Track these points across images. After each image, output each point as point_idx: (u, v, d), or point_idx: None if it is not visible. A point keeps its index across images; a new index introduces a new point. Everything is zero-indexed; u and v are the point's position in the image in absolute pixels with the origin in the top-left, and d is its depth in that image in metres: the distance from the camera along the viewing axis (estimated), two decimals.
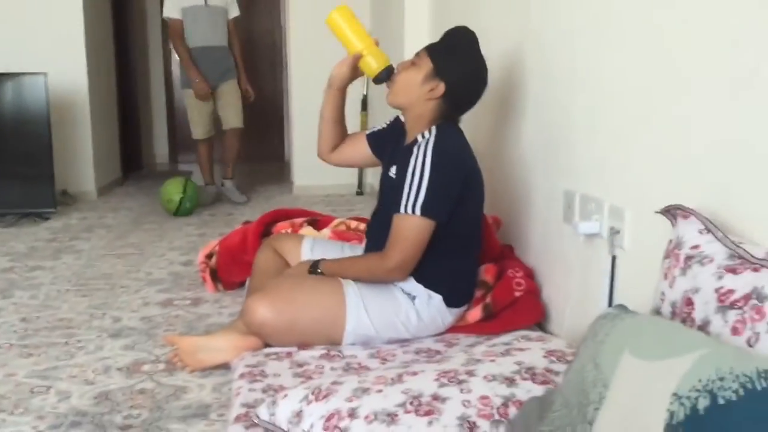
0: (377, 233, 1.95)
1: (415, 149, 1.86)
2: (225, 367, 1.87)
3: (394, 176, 1.92)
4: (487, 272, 2.08)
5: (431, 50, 1.92)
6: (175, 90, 7.46)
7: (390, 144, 2.07)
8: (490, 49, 2.08)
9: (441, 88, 1.87)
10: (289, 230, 2.65)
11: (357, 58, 1.98)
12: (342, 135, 2.19)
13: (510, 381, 1.27)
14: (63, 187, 4.60)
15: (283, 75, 7.04)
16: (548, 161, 2.11)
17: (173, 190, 4.23)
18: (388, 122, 2.15)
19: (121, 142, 5.93)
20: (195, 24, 4.51)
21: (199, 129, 4.65)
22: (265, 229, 2.67)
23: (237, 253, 2.59)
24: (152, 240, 3.61)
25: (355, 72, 2.03)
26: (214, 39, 4.55)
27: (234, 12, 4.66)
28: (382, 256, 1.85)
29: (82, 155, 4.90)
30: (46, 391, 1.78)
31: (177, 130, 7.58)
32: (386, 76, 1.94)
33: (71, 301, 2.55)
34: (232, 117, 4.66)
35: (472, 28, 1.98)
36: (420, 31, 3.63)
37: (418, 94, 1.89)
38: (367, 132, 2.19)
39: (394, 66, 1.96)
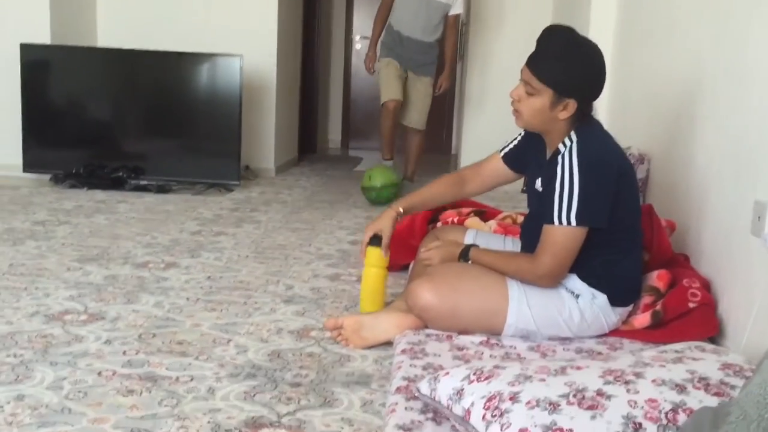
0: (530, 237, 1.94)
1: (559, 159, 1.82)
2: (386, 343, 1.94)
3: (540, 189, 1.91)
4: (659, 279, 2.01)
5: (541, 72, 1.79)
6: (353, 79, 7.76)
7: (530, 155, 2.02)
8: (677, 45, 2.00)
9: (572, 105, 1.80)
10: (456, 219, 2.69)
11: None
12: (455, 188, 2.20)
13: (681, 388, 1.23)
14: (246, 163, 4.94)
15: (458, 69, 7.09)
16: (737, 168, 1.99)
17: (380, 176, 4.21)
18: (519, 136, 2.10)
19: (299, 125, 6.26)
20: (411, 14, 4.44)
21: (384, 91, 4.54)
22: (433, 215, 2.73)
23: (404, 237, 2.67)
24: (323, 218, 3.80)
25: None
26: (426, 32, 4.48)
27: (457, 9, 4.50)
28: (533, 260, 1.84)
29: (265, 135, 5.24)
30: (226, 343, 1.94)
31: (350, 117, 7.90)
32: None
33: (250, 266, 2.76)
34: (414, 117, 4.63)
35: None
36: (607, 20, 3.53)
37: (549, 118, 1.83)
38: (501, 153, 2.14)
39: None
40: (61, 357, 1.78)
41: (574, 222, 1.77)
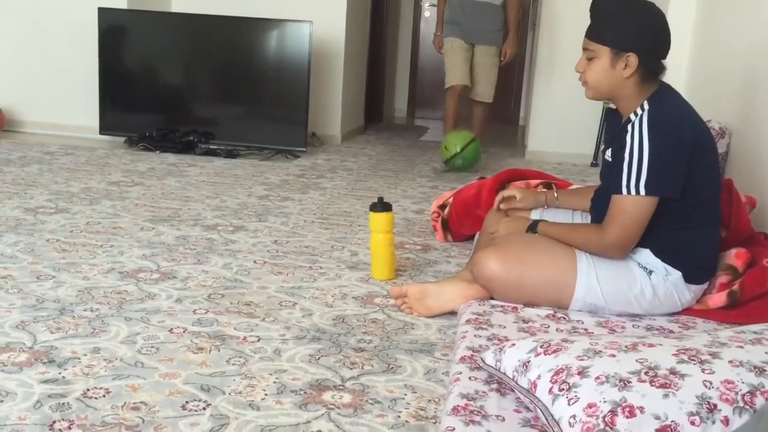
0: (600, 209, 1.89)
1: (629, 128, 1.76)
2: (451, 312, 1.94)
3: (610, 159, 1.86)
4: (737, 257, 1.93)
5: (596, 34, 1.80)
6: (421, 48, 7.68)
7: (609, 132, 2.01)
8: (763, 15, 1.88)
9: (633, 59, 1.76)
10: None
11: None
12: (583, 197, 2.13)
13: (760, 370, 1.18)
14: (313, 130, 4.97)
15: (528, 39, 6.93)
16: None
17: (455, 141, 4.20)
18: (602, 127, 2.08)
19: (366, 93, 6.25)
20: None
21: (450, 75, 4.54)
22: (501, 186, 2.69)
23: (470, 207, 2.64)
24: (388, 186, 3.79)
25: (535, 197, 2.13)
26: None
27: None
28: (600, 231, 1.79)
29: (332, 102, 5.25)
30: (292, 306, 1.97)
31: (417, 87, 7.83)
32: None
33: (315, 231, 2.78)
34: (481, 90, 4.55)
35: None
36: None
37: (614, 79, 1.79)
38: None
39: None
40: (134, 313, 1.84)
41: (642, 191, 1.71)
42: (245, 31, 4.61)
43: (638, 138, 1.73)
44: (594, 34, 1.81)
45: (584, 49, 1.84)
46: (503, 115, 7.40)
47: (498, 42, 4.53)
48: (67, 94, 4.83)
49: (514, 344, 1.41)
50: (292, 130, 4.55)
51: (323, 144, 5.08)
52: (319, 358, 1.65)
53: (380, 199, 2.25)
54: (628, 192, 1.73)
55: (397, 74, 7.69)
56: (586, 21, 1.87)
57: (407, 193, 3.66)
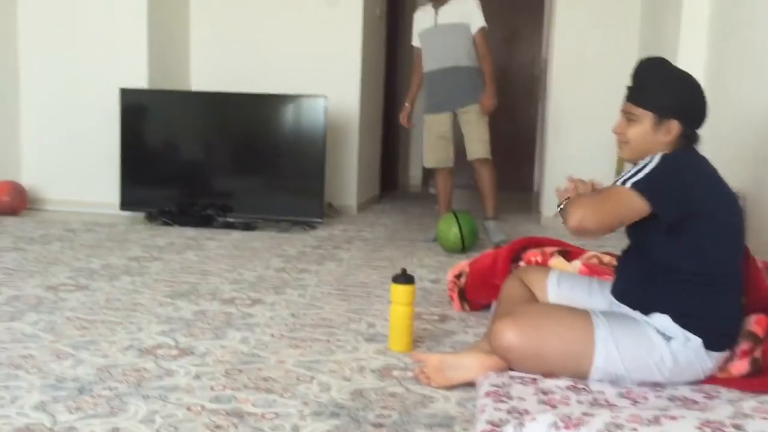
0: (626, 271, 1.89)
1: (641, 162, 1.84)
2: (469, 383, 1.92)
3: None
4: (757, 324, 1.91)
5: (640, 99, 1.87)
6: None
7: None
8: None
9: (674, 126, 1.83)
10: (539, 258, 2.64)
11: None
12: None
13: None
14: (329, 201, 5.03)
15: (539, 107, 7.05)
16: None
17: (447, 229, 3.97)
18: None
19: (380, 162, 6.34)
20: (429, 47, 4.29)
21: (427, 156, 4.44)
22: (516, 255, 2.70)
23: (486, 276, 2.65)
24: (404, 256, 3.81)
25: None
26: (447, 59, 4.23)
27: (477, 23, 4.20)
28: (581, 206, 1.79)
29: (347, 172, 5.33)
30: (309, 381, 1.96)
31: None
32: None
33: (333, 303, 2.79)
34: (472, 147, 4.28)
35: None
36: (698, 42, 3.45)
37: (653, 144, 1.86)
38: None
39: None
40: (153, 391, 1.84)
41: (630, 185, 1.77)
42: (262, 106, 4.74)
43: (645, 163, 1.81)
44: (637, 98, 1.88)
45: (624, 111, 1.91)
46: (517, 181, 7.46)
47: (478, 99, 4.25)
48: (89, 171, 4.95)
49: (534, 418, 1.39)
50: (309, 202, 4.61)
51: (339, 214, 5.13)
52: None
53: (403, 270, 2.26)
54: (622, 184, 1.79)
55: (411, 143, 7.81)
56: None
57: (423, 262, 3.67)
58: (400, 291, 2.24)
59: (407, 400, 1.85)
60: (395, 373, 2.05)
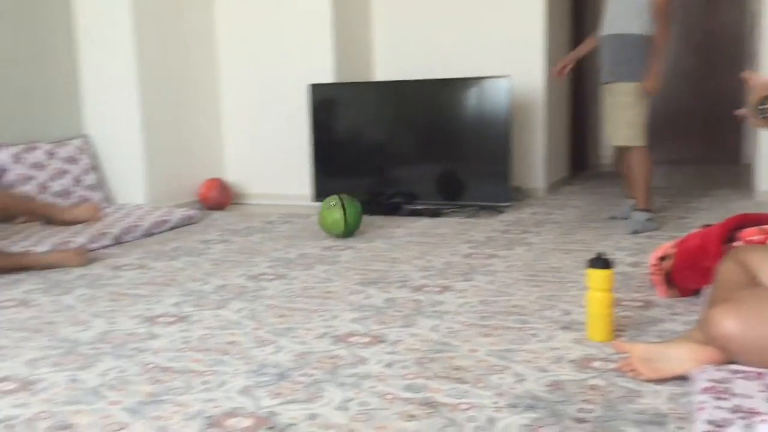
0: None
1: None
2: (680, 377, 1.74)
3: None
4: None
5: None
6: None
7: None
8: None
9: None
10: (759, 237, 2.35)
11: None
12: None
13: None
14: (516, 184, 4.89)
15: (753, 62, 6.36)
16: None
17: (329, 216, 3.78)
18: None
19: (569, 142, 6.08)
20: (605, 10, 3.86)
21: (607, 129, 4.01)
22: (730, 234, 2.42)
23: (696, 258, 2.40)
24: (598, 239, 3.59)
25: None
26: (612, 25, 3.79)
27: None
28: None
29: (535, 154, 5.16)
30: (503, 371, 1.88)
31: None
32: None
33: (524, 289, 2.68)
34: (609, 132, 3.89)
35: None
36: None
37: None
38: None
39: None
40: (347, 378, 1.86)
41: None
42: (445, 91, 4.70)
43: None
44: None
45: None
46: (722, 153, 6.82)
47: (630, 77, 3.74)
48: (284, 165, 5.22)
49: (765, 419, 1.21)
50: (495, 186, 4.51)
51: (527, 197, 4.98)
52: (536, 429, 1.54)
53: (600, 254, 2.10)
54: None
55: (601, 119, 7.39)
56: None
57: (621, 244, 3.43)
58: (598, 276, 2.08)
59: (611, 393, 1.71)
60: (596, 364, 1.91)
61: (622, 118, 3.78)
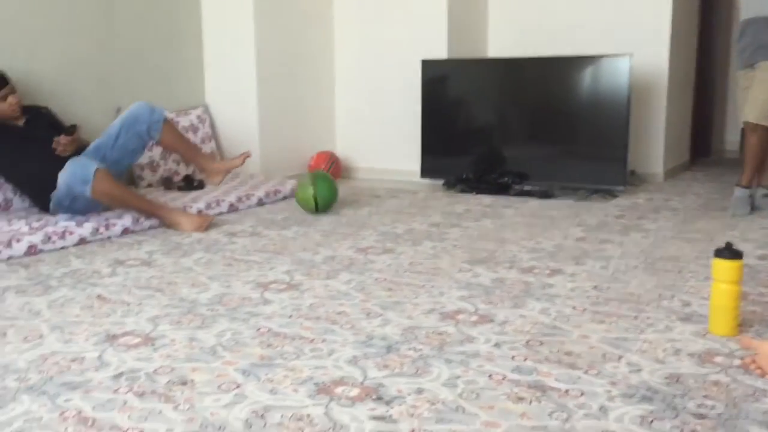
0: None
1: None
2: None
3: None
4: None
5: None
6: None
7: None
8: None
9: None
10: None
11: None
12: None
13: None
14: (632, 168, 4.70)
15: None
16: None
17: (302, 189, 3.86)
18: None
19: (692, 126, 5.77)
20: None
21: (743, 109, 3.82)
22: None
23: None
24: (722, 228, 3.40)
25: None
26: (764, 8, 3.65)
27: None
28: None
29: (653, 138, 4.93)
30: (617, 360, 1.81)
31: None
32: None
33: (639, 277, 2.57)
34: (746, 109, 3.74)
35: None
36: None
37: None
38: None
39: None
40: (455, 355, 1.85)
41: None
42: (560, 70, 4.55)
43: None
44: None
45: None
46: None
47: None
48: (393, 141, 5.24)
49: None
50: (610, 169, 4.34)
51: (644, 182, 4.77)
52: (651, 421, 1.48)
53: (728, 244, 1.98)
54: None
55: (728, 103, 6.97)
56: None
57: (747, 236, 3.23)
58: (725, 267, 1.96)
59: (734, 391, 1.62)
60: (718, 359, 1.81)
61: (757, 94, 3.67)
